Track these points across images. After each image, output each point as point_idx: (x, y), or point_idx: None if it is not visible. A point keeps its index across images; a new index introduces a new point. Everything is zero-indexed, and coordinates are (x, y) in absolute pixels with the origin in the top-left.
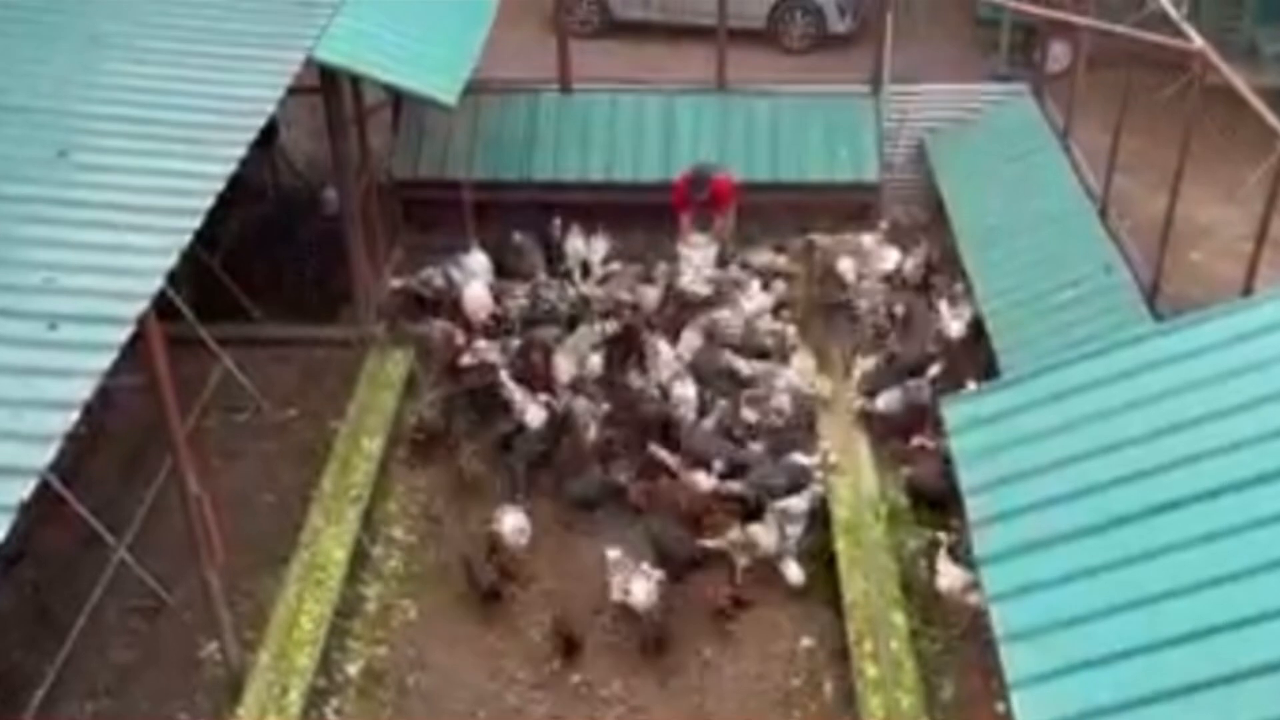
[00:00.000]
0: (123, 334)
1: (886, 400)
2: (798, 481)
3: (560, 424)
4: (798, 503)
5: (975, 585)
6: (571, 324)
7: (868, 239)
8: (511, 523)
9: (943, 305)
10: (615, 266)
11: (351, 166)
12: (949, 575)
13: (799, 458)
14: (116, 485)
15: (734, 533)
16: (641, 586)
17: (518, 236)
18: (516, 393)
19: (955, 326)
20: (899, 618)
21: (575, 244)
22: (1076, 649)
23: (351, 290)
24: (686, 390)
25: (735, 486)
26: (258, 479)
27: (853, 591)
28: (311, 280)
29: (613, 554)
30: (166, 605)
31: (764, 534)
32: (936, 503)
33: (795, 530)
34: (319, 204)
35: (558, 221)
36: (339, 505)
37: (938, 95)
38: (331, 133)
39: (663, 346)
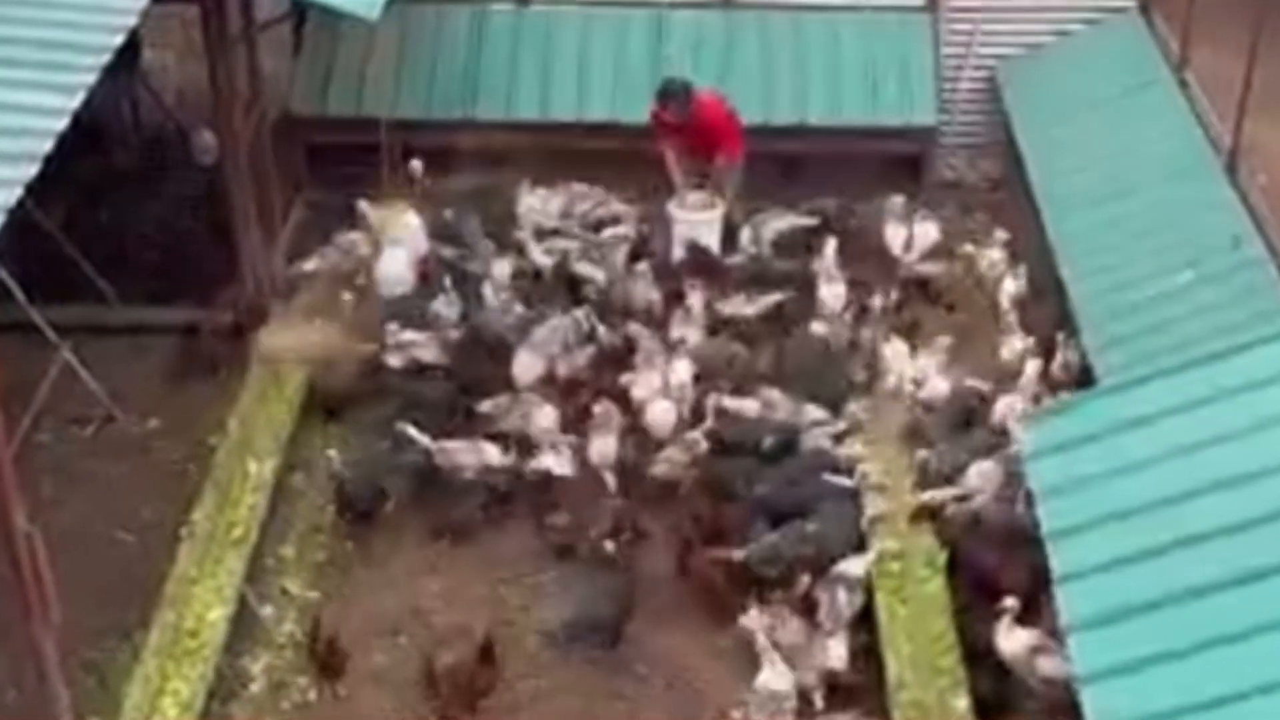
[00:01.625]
0: None
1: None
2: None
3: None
4: (857, 566)
5: (1046, 650)
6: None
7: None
8: None
9: None
10: (575, 231)
11: (238, 100)
12: (1013, 639)
13: (839, 482)
14: None
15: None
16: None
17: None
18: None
19: None
20: (961, 702)
21: (530, 201)
22: None
23: (236, 262)
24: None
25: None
26: (108, 513)
27: (897, 664)
28: (182, 249)
29: None
30: None
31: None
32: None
33: (855, 600)
34: (193, 149)
35: (417, 164)
36: (216, 549)
37: (1015, 13)
38: (211, 56)
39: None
